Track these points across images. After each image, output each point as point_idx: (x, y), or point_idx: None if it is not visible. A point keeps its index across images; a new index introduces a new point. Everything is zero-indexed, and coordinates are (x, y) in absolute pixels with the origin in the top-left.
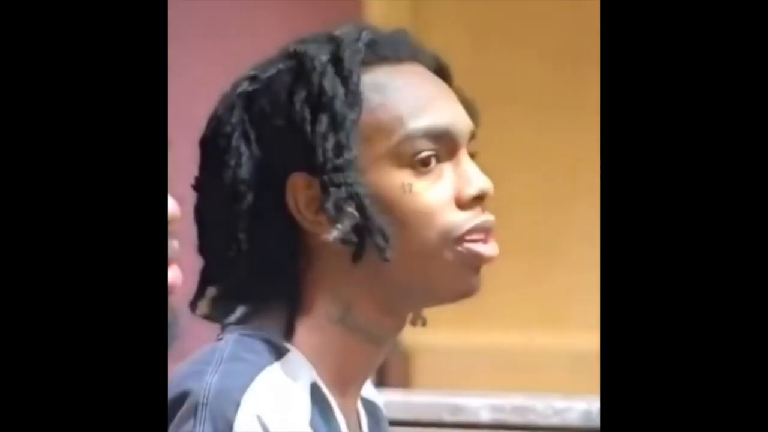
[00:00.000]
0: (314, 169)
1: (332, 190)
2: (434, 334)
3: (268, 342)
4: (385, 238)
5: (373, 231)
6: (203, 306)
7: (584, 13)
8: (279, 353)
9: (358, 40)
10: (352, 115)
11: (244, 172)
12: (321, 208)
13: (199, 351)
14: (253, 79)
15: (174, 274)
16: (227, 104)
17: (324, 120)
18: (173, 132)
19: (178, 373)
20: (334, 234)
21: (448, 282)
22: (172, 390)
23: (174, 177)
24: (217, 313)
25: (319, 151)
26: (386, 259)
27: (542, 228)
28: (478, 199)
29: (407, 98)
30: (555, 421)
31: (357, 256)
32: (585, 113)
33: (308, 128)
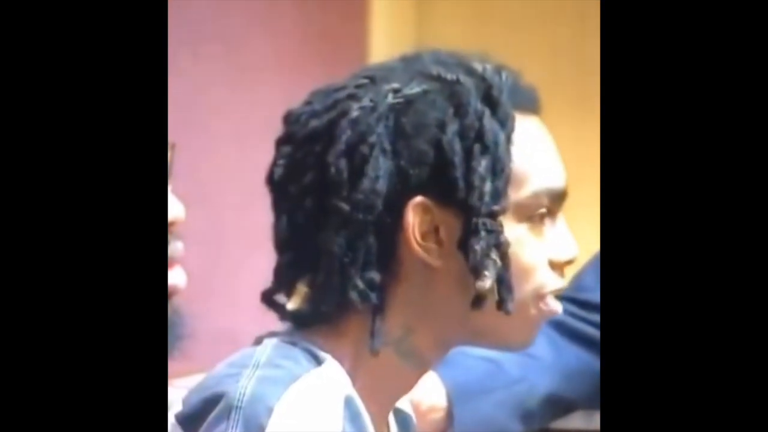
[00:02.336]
0: (463, 207)
1: (483, 234)
2: None
3: (306, 350)
4: (510, 290)
5: (506, 282)
6: (295, 301)
7: (590, 7)
8: (316, 363)
9: (501, 81)
10: (509, 163)
11: (382, 185)
12: (459, 246)
13: (237, 353)
14: (396, 91)
15: (178, 275)
16: (372, 111)
17: (483, 162)
18: (176, 134)
19: (214, 374)
20: (487, 282)
21: (521, 334)
22: (207, 390)
23: (177, 178)
24: (307, 311)
25: (476, 193)
26: (508, 312)
27: None
28: (568, 263)
29: (536, 154)
30: (555, 422)
31: (480, 302)
32: (588, 111)
33: (461, 164)
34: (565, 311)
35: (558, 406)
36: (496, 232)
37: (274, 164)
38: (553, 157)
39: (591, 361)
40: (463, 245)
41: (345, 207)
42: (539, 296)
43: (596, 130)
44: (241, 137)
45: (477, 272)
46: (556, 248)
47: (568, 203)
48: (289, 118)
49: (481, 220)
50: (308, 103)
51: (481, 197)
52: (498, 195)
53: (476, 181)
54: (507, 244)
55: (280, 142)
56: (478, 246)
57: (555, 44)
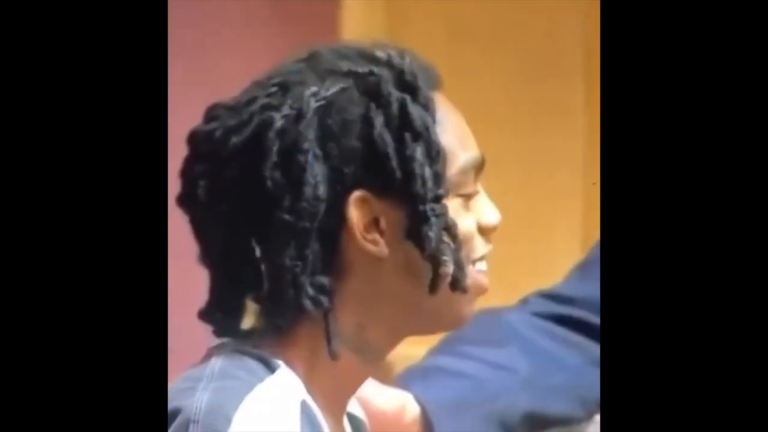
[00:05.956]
0: (406, 196)
1: (433, 219)
2: (415, 346)
3: (258, 359)
4: (462, 268)
5: (459, 262)
6: (249, 319)
7: (566, 15)
8: (270, 371)
9: (410, 65)
10: (442, 145)
11: (323, 190)
12: (408, 235)
13: (189, 368)
14: (315, 95)
15: None
16: (299, 118)
17: (418, 149)
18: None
19: (168, 390)
20: (450, 267)
21: (461, 309)
22: None
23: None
24: (263, 326)
25: (418, 181)
26: (465, 291)
27: (520, 237)
28: (494, 229)
29: (454, 130)
30: None
31: (437, 287)
32: (565, 118)
33: (395, 154)
34: (547, 315)
35: (539, 423)
36: (443, 215)
37: (191, 185)
38: (466, 129)
39: (572, 372)
40: (414, 234)
41: (289, 218)
42: (471, 263)
43: (577, 140)
44: None
45: (435, 259)
46: (482, 214)
47: (547, 212)
48: (196, 138)
49: (428, 207)
50: (213, 119)
51: (423, 184)
52: (439, 179)
53: (416, 169)
54: (455, 225)
55: (191, 162)
56: (432, 233)
57: (532, 50)
